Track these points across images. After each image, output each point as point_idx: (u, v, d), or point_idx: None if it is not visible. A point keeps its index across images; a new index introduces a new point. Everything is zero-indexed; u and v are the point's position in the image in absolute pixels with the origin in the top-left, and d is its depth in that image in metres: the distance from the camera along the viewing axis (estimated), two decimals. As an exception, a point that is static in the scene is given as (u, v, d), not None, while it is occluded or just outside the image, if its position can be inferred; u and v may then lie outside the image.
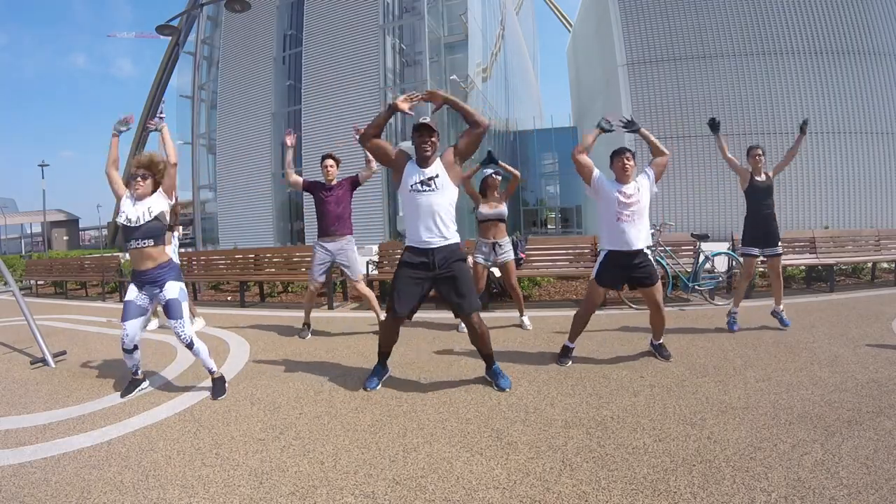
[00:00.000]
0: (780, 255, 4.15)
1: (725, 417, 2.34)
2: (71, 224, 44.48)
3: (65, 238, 41.88)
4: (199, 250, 9.11)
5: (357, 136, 3.73)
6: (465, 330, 4.25)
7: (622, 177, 3.24)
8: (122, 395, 3.04)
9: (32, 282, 11.12)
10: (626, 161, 3.21)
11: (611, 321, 4.62)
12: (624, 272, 3.25)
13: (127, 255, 3.29)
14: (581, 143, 3.33)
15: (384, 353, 3.13)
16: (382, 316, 4.58)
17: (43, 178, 32.90)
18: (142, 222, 2.86)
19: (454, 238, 2.88)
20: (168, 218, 3.04)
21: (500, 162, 4.55)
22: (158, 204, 2.95)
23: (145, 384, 3.19)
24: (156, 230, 2.92)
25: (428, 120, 2.84)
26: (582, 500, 1.72)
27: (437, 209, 2.82)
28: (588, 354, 3.46)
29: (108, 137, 3.08)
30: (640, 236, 3.19)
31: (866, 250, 6.46)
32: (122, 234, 2.98)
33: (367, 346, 4.08)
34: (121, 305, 3.17)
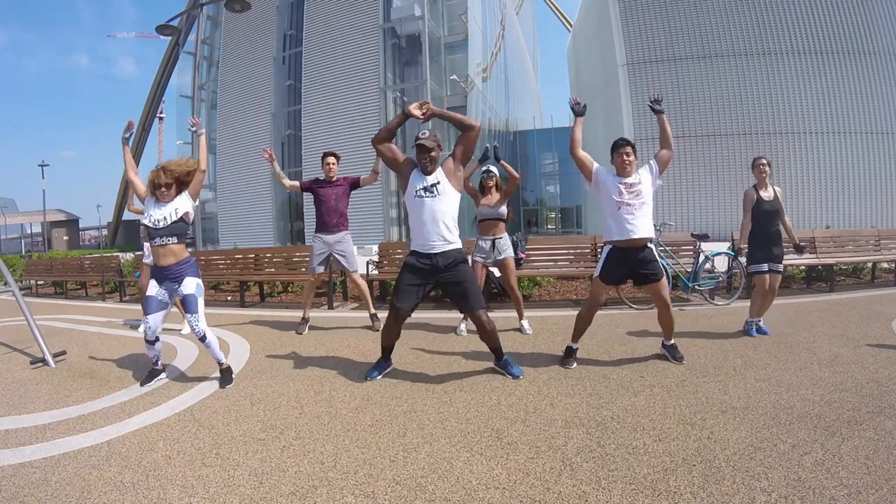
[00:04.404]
0: (780, 272, 4.10)
1: (725, 417, 2.34)
2: (71, 224, 44.44)
3: (65, 238, 41.84)
4: (199, 250, 9.11)
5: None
6: (464, 333, 4.32)
7: (622, 171, 3.20)
8: (142, 384, 3.22)
9: (32, 282, 11.11)
10: (625, 157, 3.17)
11: (611, 321, 4.62)
12: (629, 267, 3.16)
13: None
14: (573, 138, 3.24)
15: (386, 349, 3.26)
16: (373, 310, 4.82)
17: (43, 178, 32.92)
18: (168, 223, 3.07)
19: (457, 243, 3.04)
20: (191, 217, 3.23)
21: (501, 161, 4.45)
22: (184, 205, 3.15)
23: (163, 375, 3.38)
24: (180, 229, 3.13)
25: (426, 137, 2.98)
26: (582, 500, 1.72)
27: (440, 215, 2.98)
28: (588, 354, 3.45)
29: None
30: (642, 226, 3.10)
31: (866, 250, 6.46)
32: (146, 233, 3.19)
33: (367, 345, 4.08)
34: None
